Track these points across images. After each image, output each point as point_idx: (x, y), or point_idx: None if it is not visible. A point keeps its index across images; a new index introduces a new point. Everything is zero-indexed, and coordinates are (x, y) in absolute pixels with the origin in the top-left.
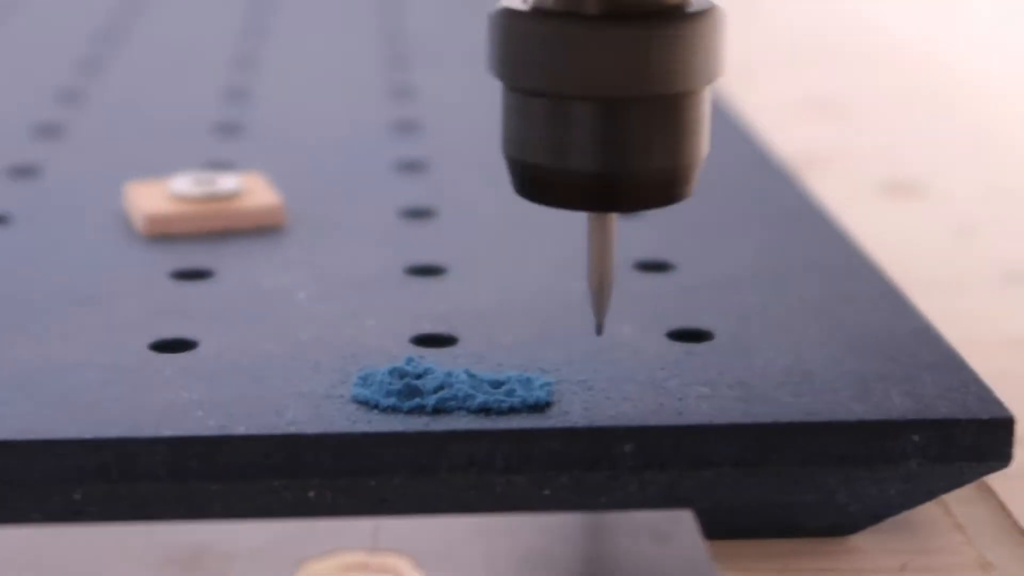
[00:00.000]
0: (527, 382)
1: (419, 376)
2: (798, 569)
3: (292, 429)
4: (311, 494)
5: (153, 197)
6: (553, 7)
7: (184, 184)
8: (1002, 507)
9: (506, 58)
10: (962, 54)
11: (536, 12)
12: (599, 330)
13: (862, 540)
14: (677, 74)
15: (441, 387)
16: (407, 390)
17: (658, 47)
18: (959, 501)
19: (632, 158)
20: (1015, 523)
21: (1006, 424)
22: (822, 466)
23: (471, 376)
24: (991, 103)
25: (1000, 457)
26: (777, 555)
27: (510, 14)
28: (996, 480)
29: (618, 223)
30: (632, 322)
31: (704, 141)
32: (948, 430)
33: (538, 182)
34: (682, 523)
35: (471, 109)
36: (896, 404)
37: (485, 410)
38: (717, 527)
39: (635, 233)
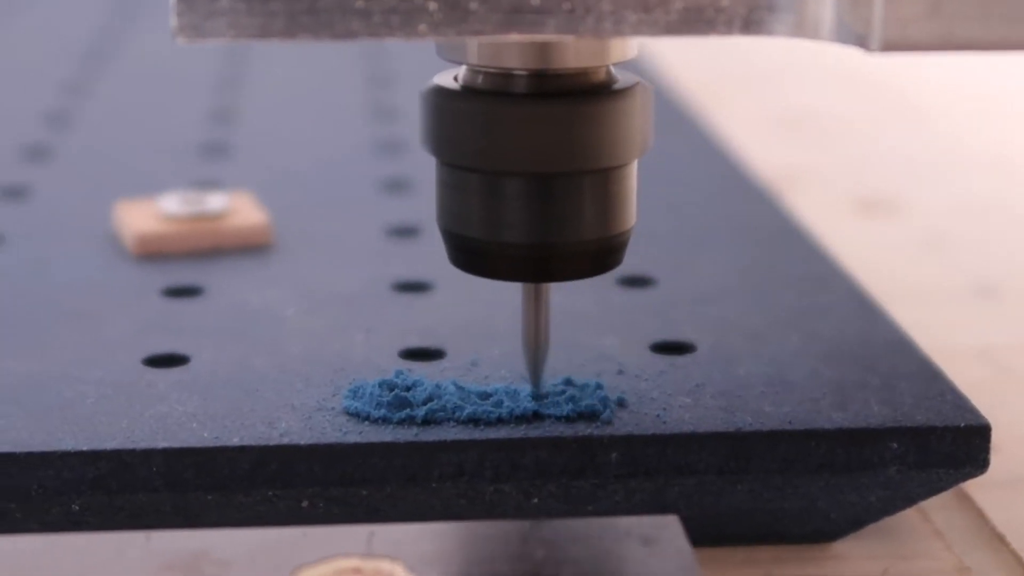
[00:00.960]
0: (514, 393)
1: (408, 388)
2: (781, 575)
3: (285, 440)
4: (304, 504)
5: (142, 216)
6: (483, 86)
7: (173, 203)
8: (980, 514)
9: (438, 135)
10: (933, 72)
11: (467, 91)
12: (536, 388)
13: (844, 546)
14: (604, 149)
15: (430, 398)
16: (397, 402)
17: (585, 123)
18: (938, 508)
19: (562, 231)
20: (992, 529)
21: (982, 431)
22: (803, 473)
23: (459, 388)
24: (962, 119)
25: (977, 464)
26: (761, 561)
27: (441, 92)
28: (974, 487)
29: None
30: (616, 335)
31: (632, 211)
32: (925, 437)
33: (471, 253)
34: (669, 528)
35: None
36: (875, 412)
37: (474, 420)
38: (702, 534)
39: None
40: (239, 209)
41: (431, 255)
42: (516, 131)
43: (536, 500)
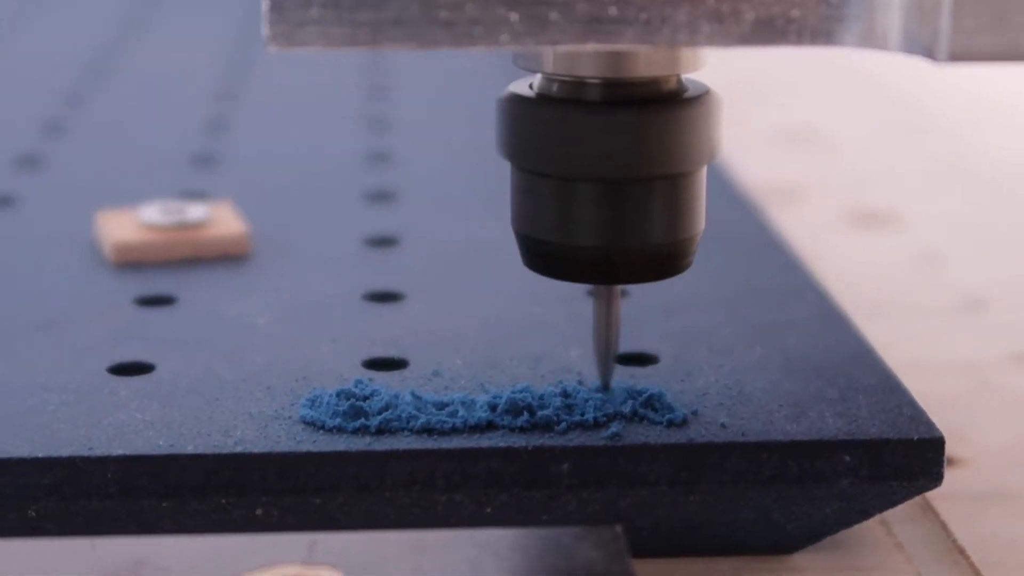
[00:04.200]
0: (470, 403)
1: (366, 398)
2: None
3: (239, 448)
4: (258, 512)
5: (122, 226)
6: (557, 94)
7: (153, 213)
8: (943, 527)
9: (513, 141)
10: (936, 85)
11: (541, 99)
12: (605, 387)
13: (803, 558)
14: (674, 156)
15: (386, 408)
16: (352, 411)
17: (656, 131)
18: (901, 520)
19: (632, 235)
20: (954, 542)
21: (936, 444)
22: (755, 485)
23: (416, 398)
24: (966, 133)
25: (931, 477)
26: (719, 572)
27: (517, 100)
28: (941, 500)
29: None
30: (580, 347)
31: (700, 217)
32: (878, 450)
33: (544, 256)
34: (610, 539)
35: (445, 140)
36: (829, 425)
37: (428, 430)
38: (660, 544)
39: None
40: (218, 219)
41: (407, 266)
42: (589, 138)
43: (489, 510)
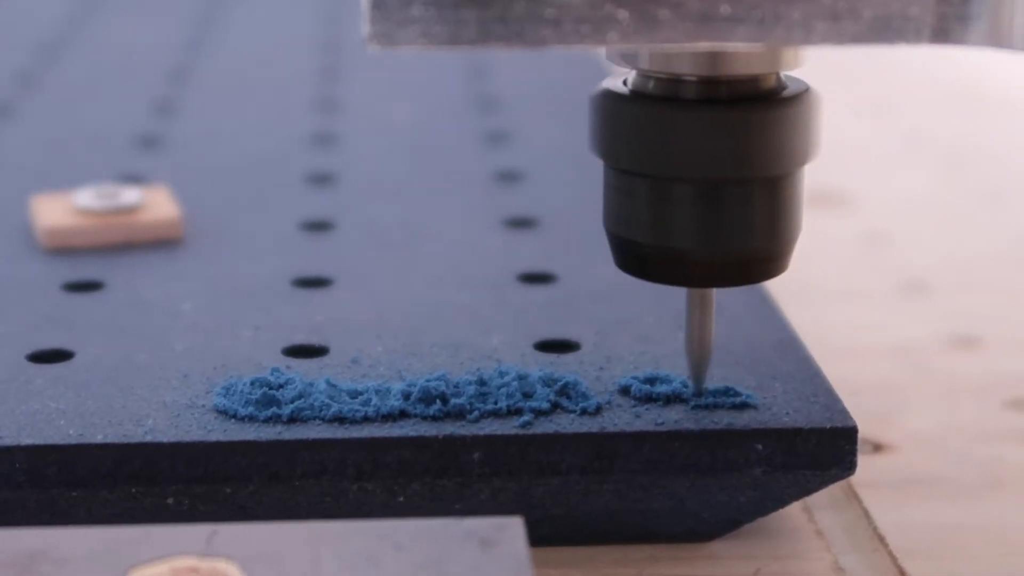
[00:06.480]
0: (384, 392)
1: (280, 386)
2: (652, 574)
3: (148, 437)
4: (169, 501)
5: (55, 210)
6: (654, 91)
7: (87, 197)
8: (865, 513)
9: (607, 139)
10: (895, 65)
11: (637, 96)
12: (698, 391)
13: (721, 546)
14: (773, 157)
15: (299, 397)
16: (264, 400)
17: (755, 131)
18: (824, 507)
19: (729, 237)
20: (875, 529)
21: (849, 433)
22: (668, 474)
23: (331, 386)
24: (921, 115)
25: (844, 466)
26: (634, 561)
27: (612, 97)
28: (865, 487)
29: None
30: (503, 333)
31: (798, 220)
32: (791, 439)
33: (638, 258)
34: (509, 530)
35: (390, 124)
36: (742, 413)
37: (340, 419)
38: (575, 533)
39: (523, 246)
40: (152, 203)
41: (339, 251)
42: (686, 137)
43: (401, 499)
